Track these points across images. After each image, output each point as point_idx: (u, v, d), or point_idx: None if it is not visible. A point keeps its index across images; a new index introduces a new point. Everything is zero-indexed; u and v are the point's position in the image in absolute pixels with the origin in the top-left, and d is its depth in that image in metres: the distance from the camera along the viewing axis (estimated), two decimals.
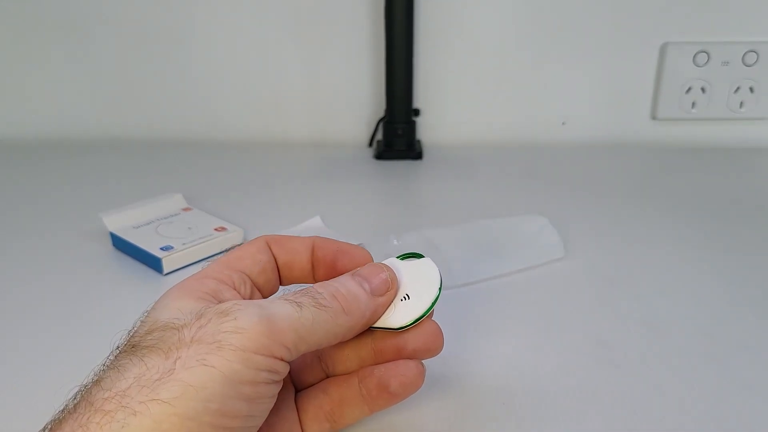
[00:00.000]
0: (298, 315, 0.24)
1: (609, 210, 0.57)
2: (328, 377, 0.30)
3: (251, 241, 0.29)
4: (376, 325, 0.28)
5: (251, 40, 0.77)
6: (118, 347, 0.24)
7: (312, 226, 0.53)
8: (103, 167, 0.71)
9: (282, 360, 0.23)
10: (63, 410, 0.22)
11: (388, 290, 0.28)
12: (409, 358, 0.28)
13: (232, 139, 0.80)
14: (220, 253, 0.49)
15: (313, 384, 0.30)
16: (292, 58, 0.77)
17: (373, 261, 0.30)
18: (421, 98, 0.78)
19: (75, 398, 0.22)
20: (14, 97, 0.81)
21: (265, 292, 0.29)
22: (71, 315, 0.41)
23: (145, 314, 0.25)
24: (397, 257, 0.30)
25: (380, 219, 0.57)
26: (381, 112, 0.77)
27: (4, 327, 0.39)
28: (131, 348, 0.23)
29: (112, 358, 0.23)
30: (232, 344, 0.22)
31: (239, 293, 0.27)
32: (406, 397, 0.28)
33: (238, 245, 0.29)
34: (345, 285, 0.27)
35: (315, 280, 0.30)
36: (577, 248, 0.49)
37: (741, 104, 0.75)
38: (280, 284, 0.30)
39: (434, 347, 0.28)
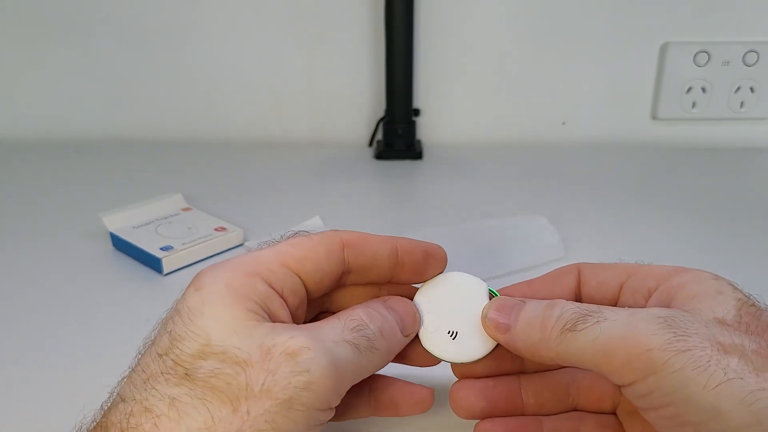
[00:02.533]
0: (357, 361, 0.24)
1: (609, 210, 0.57)
2: None
3: (323, 239, 0.26)
4: (449, 360, 0.28)
5: (251, 39, 0.77)
6: (159, 353, 0.22)
7: (312, 226, 0.53)
8: (103, 167, 0.71)
9: (333, 409, 0.23)
10: (101, 427, 0.21)
11: (414, 330, 0.28)
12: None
13: (231, 139, 0.80)
14: (221, 253, 0.49)
15: None
16: (292, 58, 0.77)
17: (446, 261, 0.29)
18: (421, 98, 0.78)
19: (120, 421, 0.21)
20: (14, 97, 0.81)
21: (313, 294, 0.27)
22: (71, 315, 0.41)
23: (182, 304, 0.23)
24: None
25: (380, 219, 0.57)
26: (381, 112, 0.77)
27: (3, 327, 0.39)
28: (185, 375, 0.21)
29: (154, 369, 0.22)
30: (303, 403, 0.21)
31: (287, 303, 0.25)
32: (410, 415, 0.28)
33: (306, 233, 0.27)
34: (388, 323, 0.26)
35: (393, 282, 0.29)
36: (577, 248, 0.49)
37: (741, 104, 0.75)
38: (347, 283, 0.28)
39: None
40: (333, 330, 0.24)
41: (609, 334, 0.22)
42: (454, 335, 0.28)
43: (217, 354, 0.21)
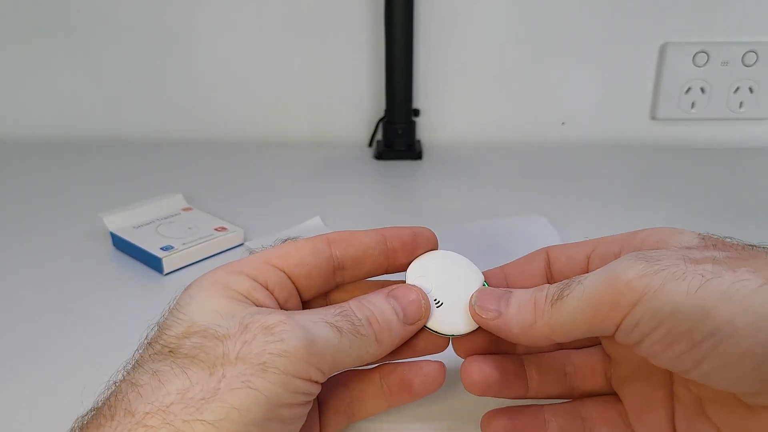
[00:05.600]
0: (337, 342, 0.24)
1: (609, 210, 0.58)
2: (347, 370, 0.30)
3: (310, 239, 0.28)
4: (433, 328, 0.28)
5: (251, 40, 0.77)
6: (149, 341, 0.24)
7: (312, 226, 0.53)
8: (103, 167, 0.71)
9: (316, 383, 0.24)
10: (93, 409, 0.22)
11: (420, 318, 0.28)
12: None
13: (232, 139, 0.80)
14: (221, 253, 0.49)
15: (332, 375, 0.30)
16: (292, 58, 0.77)
17: (437, 241, 0.30)
18: (421, 98, 0.78)
19: (107, 399, 0.22)
20: (14, 97, 0.81)
21: (306, 294, 0.28)
22: (72, 315, 0.41)
23: (174, 304, 0.25)
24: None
25: (380, 219, 0.57)
26: (381, 112, 0.77)
27: (4, 327, 0.39)
28: (169, 352, 0.22)
29: (144, 355, 0.23)
30: (277, 368, 0.22)
31: (273, 295, 0.26)
32: (425, 395, 0.28)
33: (293, 238, 0.28)
34: (380, 309, 0.26)
35: (390, 271, 0.29)
36: None
37: (740, 104, 0.75)
38: (345, 280, 0.29)
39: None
40: (315, 313, 0.25)
41: (592, 286, 0.23)
42: (439, 304, 0.28)
43: (199, 331, 0.23)
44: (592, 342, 0.30)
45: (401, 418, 0.31)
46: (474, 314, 0.27)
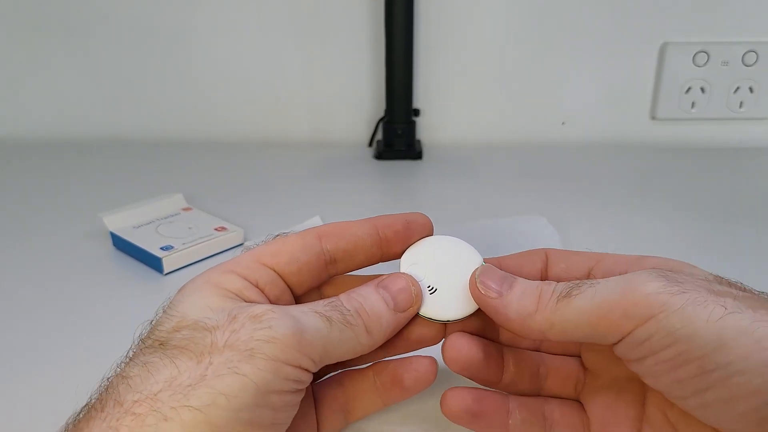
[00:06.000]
0: (327, 331, 0.24)
1: (609, 210, 0.58)
2: (342, 370, 0.30)
3: (300, 234, 0.28)
4: (426, 314, 0.28)
5: (251, 40, 0.77)
6: (141, 339, 0.24)
7: (312, 225, 0.53)
8: (103, 167, 0.71)
9: (307, 371, 0.23)
10: (86, 405, 0.22)
11: (411, 305, 0.27)
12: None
13: (232, 139, 0.80)
14: (221, 253, 0.49)
15: (328, 375, 0.30)
16: (292, 58, 0.77)
17: (432, 227, 0.30)
18: (421, 98, 0.78)
19: (99, 394, 0.22)
20: (14, 97, 0.81)
21: (298, 290, 0.28)
22: (72, 314, 0.41)
23: (167, 304, 0.25)
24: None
25: None
26: (381, 112, 0.77)
27: (4, 327, 0.39)
28: (159, 345, 0.23)
29: (137, 351, 0.23)
30: (265, 353, 0.22)
31: (264, 293, 0.26)
32: (418, 391, 0.28)
33: (285, 233, 0.28)
34: (369, 301, 0.26)
35: (385, 260, 0.29)
36: (577, 248, 0.49)
37: (741, 104, 0.75)
38: (338, 272, 0.29)
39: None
40: (304, 305, 0.25)
41: (606, 291, 0.23)
42: (433, 291, 0.28)
43: (190, 325, 0.23)
44: (572, 352, 0.30)
45: (401, 420, 0.31)
46: (474, 289, 0.27)
